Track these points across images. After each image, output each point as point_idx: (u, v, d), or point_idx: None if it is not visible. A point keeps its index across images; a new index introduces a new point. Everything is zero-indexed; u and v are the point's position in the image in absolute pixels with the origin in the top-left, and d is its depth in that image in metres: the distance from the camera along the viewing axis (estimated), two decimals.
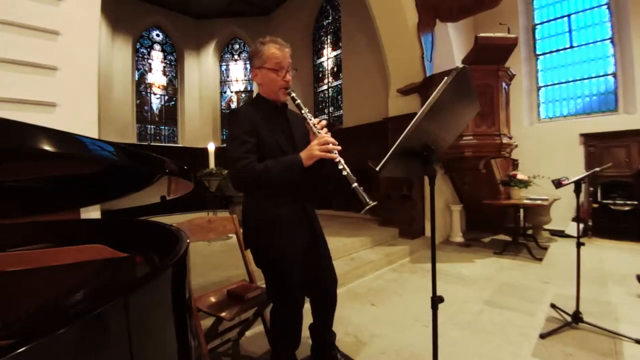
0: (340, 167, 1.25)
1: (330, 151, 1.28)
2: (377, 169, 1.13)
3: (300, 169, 1.29)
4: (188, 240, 0.75)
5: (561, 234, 4.63)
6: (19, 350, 0.31)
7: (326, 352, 1.66)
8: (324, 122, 1.39)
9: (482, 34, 3.41)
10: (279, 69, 1.37)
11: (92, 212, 1.70)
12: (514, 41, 3.48)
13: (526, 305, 2.35)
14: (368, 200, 1.19)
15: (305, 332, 1.61)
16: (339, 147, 1.30)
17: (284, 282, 1.39)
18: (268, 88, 1.42)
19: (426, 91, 4.00)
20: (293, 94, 1.41)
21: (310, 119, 1.37)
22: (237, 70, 8.50)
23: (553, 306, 2.21)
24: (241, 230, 1.61)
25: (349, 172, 1.24)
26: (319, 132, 1.34)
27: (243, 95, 8.47)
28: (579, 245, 2.02)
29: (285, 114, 1.50)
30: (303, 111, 1.39)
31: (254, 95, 1.67)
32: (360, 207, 1.22)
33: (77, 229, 1.12)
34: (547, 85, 5.46)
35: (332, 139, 1.31)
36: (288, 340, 1.49)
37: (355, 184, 1.22)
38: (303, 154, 1.30)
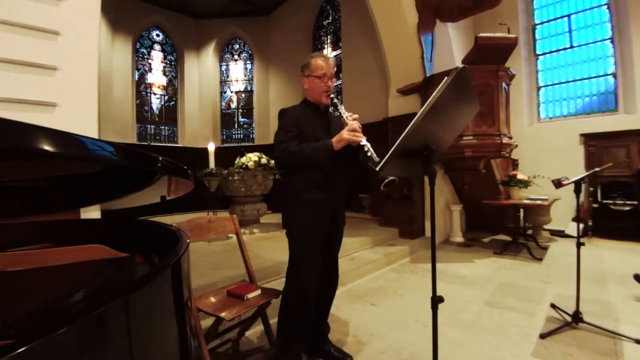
0: (366, 149, 1.40)
1: (357, 136, 1.44)
2: (377, 169, 1.13)
3: (330, 151, 1.48)
4: (188, 240, 0.75)
5: (561, 234, 4.63)
6: (19, 350, 0.31)
7: (320, 342, 1.70)
8: (356, 115, 1.57)
9: (482, 34, 3.41)
10: (322, 77, 1.61)
11: (92, 212, 1.70)
12: (514, 41, 3.48)
13: (526, 305, 2.35)
14: (388, 176, 1.28)
15: None
16: (364, 137, 1.46)
17: (305, 257, 1.56)
18: (313, 92, 1.65)
19: (426, 91, 4.00)
20: (332, 96, 1.64)
21: (344, 113, 1.57)
22: (237, 70, 8.49)
23: (553, 306, 2.21)
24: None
25: (373, 154, 1.37)
26: (350, 122, 1.51)
27: (243, 95, 8.47)
28: (579, 245, 2.02)
29: (326, 115, 1.72)
30: (339, 107, 1.61)
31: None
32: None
33: (77, 229, 1.12)
34: (547, 85, 5.46)
35: (359, 127, 1.49)
36: (299, 325, 1.56)
37: (377, 161, 1.32)
38: (334, 140, 1.49)
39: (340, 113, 1.60)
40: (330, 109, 1.72)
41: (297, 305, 1.56)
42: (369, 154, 1.38)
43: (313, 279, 1.57)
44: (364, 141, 1.43)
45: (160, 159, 0.60)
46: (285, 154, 1.50)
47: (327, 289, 1.74)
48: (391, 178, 1.26)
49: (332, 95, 1.64)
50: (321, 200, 1.57)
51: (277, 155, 1.56)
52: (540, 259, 3.48)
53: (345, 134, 1.47)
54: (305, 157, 1.49)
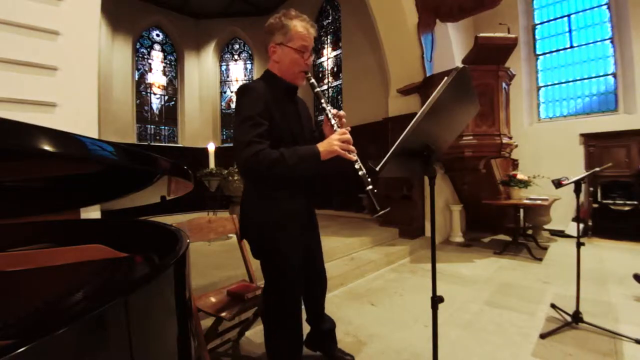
0: (357, 167, 1.19)
1: (349, 150, 1.20)
2: (377, 169, 1.13)
3: (317, 163, 1.18)
4: (188, 240, 0.76)
5: (561, 234, 4.63)
6: (19, 350, 0.31)
7: (321, 337, 1.64)
8: (342, 112, 1.30)
9: (482, 34, 3.41)
10: (304, 51, 1.26)
11: (92, 212, 1.70)
12: (514, 41, 3.48)
13: (526, 305, 2.34)
14: (378, 207, 1.15)
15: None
16: (354, 151, 1.23)
17: (289, 274, 1.32)
18: (287, 68, 1.29)
19: (426, 91, 4.00)
20: (312, 80, 1.30)
21: (330, 110, 1.29)
22: (237, 70, 8.50)
23: (553, 306, 2.21)
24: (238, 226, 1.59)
25: (365, 174, 1.19)
26: (338, 127, 1.26)
27: None
28: (579, 245, 2.02)
29: (294, 98, 1.40)
30: (322, 100, 1.30)
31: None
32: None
33: (77, 229, 1.12)
34: (547, 85, 5.47)
35: (350, 138, 1.22)
36: (290, 338, 1.37)
37: (370, 187, 1.16)
38: (321, 147, 1.19)
39: (324, 108, 1.29)
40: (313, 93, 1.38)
41: (288, 332, 1.36)
42: (360, 172, 1.18)
43: (298, 299, 1.38)
44: (354, 156, 1.20)
45: (160, 159, 0.60)
46: (261, 163, 1.12)
47: (317, 297, 1.60)
48: (387, 209, 1.15)
49: (312, 81, 1.29)
50: (301, 205, 1.33)
51: (247, 161, 1.13)
52: (540, 259, 3.48)
53: (336, 145, 1.17)
54: (288, 168, 1.14)
